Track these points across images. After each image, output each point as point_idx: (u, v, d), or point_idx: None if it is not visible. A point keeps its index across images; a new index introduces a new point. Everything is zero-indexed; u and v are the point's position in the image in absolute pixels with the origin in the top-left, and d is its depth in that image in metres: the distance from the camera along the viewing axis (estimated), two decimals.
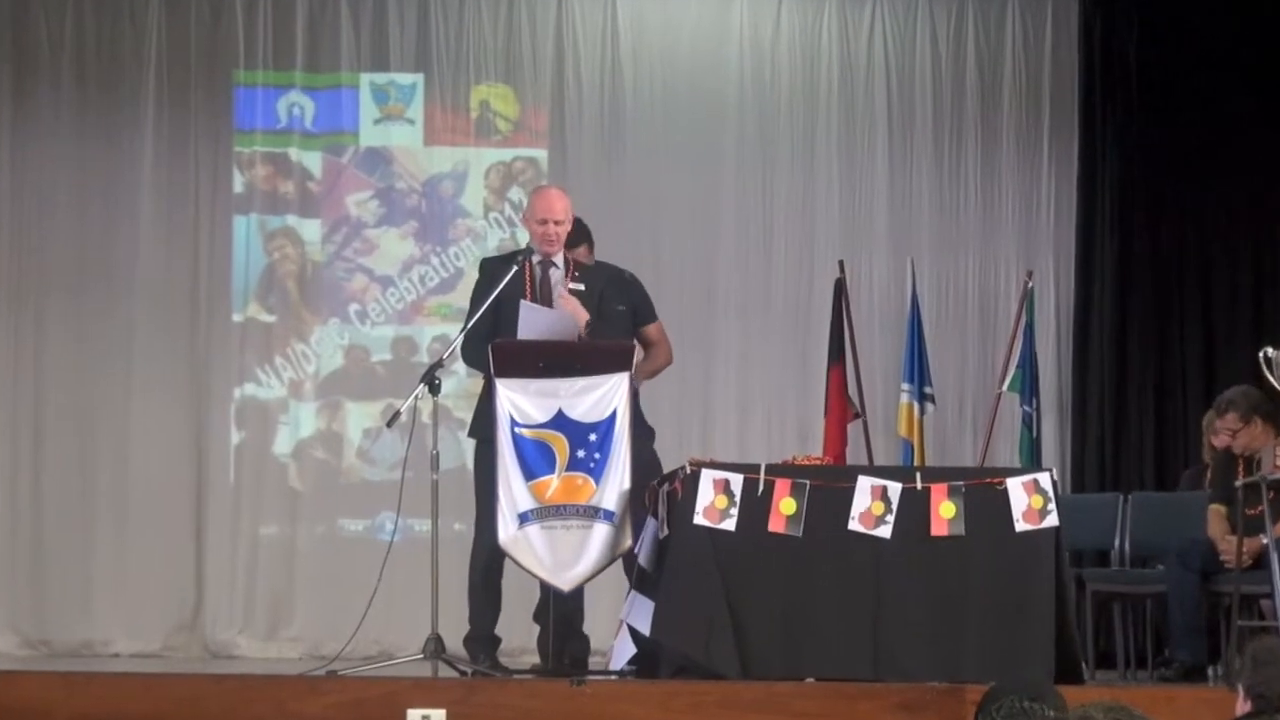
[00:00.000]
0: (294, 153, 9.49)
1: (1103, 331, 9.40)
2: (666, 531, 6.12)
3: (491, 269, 6.75)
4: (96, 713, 5.66)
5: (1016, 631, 5.94)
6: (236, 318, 9.41)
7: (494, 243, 9.47)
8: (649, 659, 6.15)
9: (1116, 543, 8.28)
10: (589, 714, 5.63)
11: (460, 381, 8.98)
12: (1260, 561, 6.92)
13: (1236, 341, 9.19)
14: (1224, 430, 7.47)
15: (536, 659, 6.74)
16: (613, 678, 6.21)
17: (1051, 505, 6.01)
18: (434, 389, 6.35)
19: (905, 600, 5.95)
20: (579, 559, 6.15)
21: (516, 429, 6.16)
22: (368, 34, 9.48)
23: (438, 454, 6.39)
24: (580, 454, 6.17)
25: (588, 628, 6.75)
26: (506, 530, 6.15)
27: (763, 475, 5.99)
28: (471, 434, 6.82)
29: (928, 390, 8.98)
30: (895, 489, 5.98)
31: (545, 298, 6.65)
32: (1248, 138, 9.27)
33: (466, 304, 6.92)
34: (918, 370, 8.99)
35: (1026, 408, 8.87)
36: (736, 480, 5.98)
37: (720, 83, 9.58)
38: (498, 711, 5.65)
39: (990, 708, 3.86)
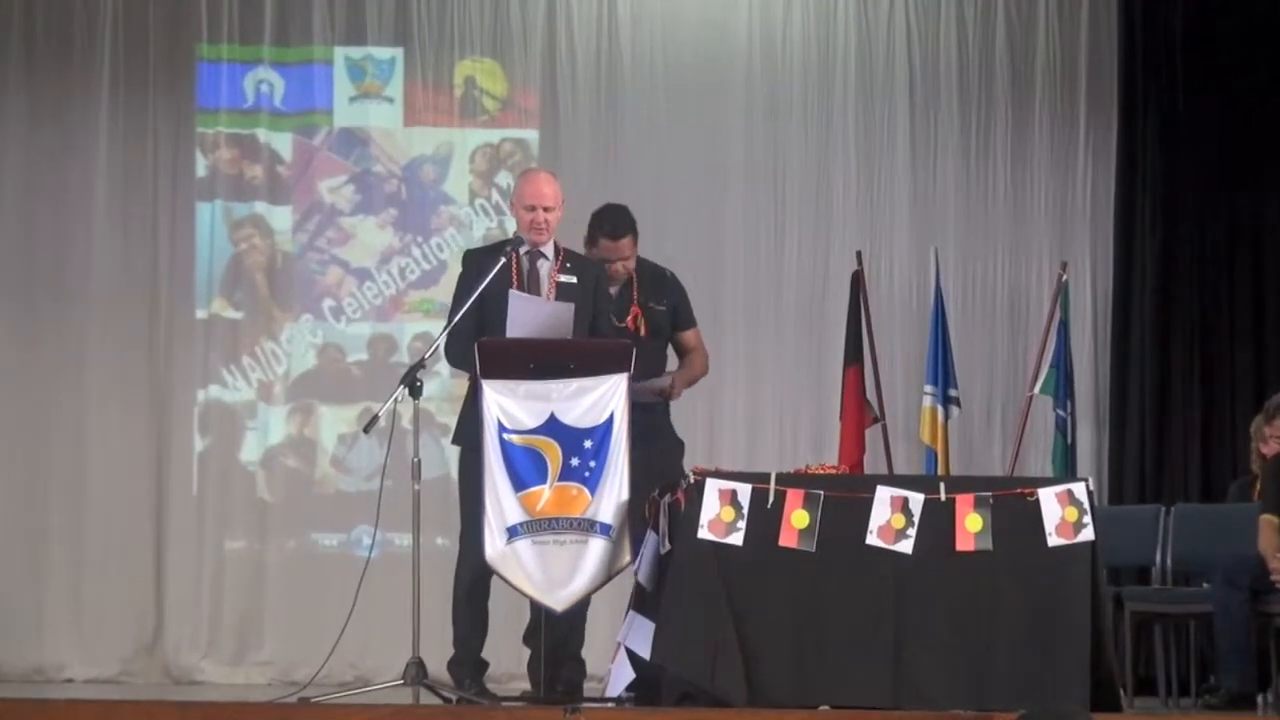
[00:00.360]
0: (262, 134, 9.50)
1: (1143, 329, 9.41)
2: (668, 546, 6.14)
3: (476, 261, 6.77)
4: None
5: (1049, 656, 5.96)
6: (200, 314, 9.43)
7: (480, 232, 9.49)
8: (649, 685, 6.16)
9: (1158, 559, 8.30)
10: None
11: (443, 383, 9.00)
12: None
13: None
14: (1274, 437, 7.50)
15: (527, 685, 6.77)
16: (610, 705, 6.22)
17: (1087, 518, 6.03)
18: (415, 391, 6.36)
19: (928, 621, 5.97)
20: (572, 576, 6.17)
21: (505, 435, 6.18)
22: (342, 5, 9.50)
23: (419, 462, 6.40)
24: (574, 462, 6.19)
25: (582, 651, 6.77)
26: (494, 545, 6.17)
27: (773, 485, 6.01)
28: (456, 441, 6.84)
29: (953, 393, 8.99)
30: (917, 500, 5.99)
31: (533, 289, 6.67)
32: None
33: (450, 299, 6.94)
34: (942, 371, 8.99)
35: (1060, 412, 8.88)
36: (744, 491, 5.99)
37: (727, 57, 9.59)
38: None
39: None
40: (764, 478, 6.04)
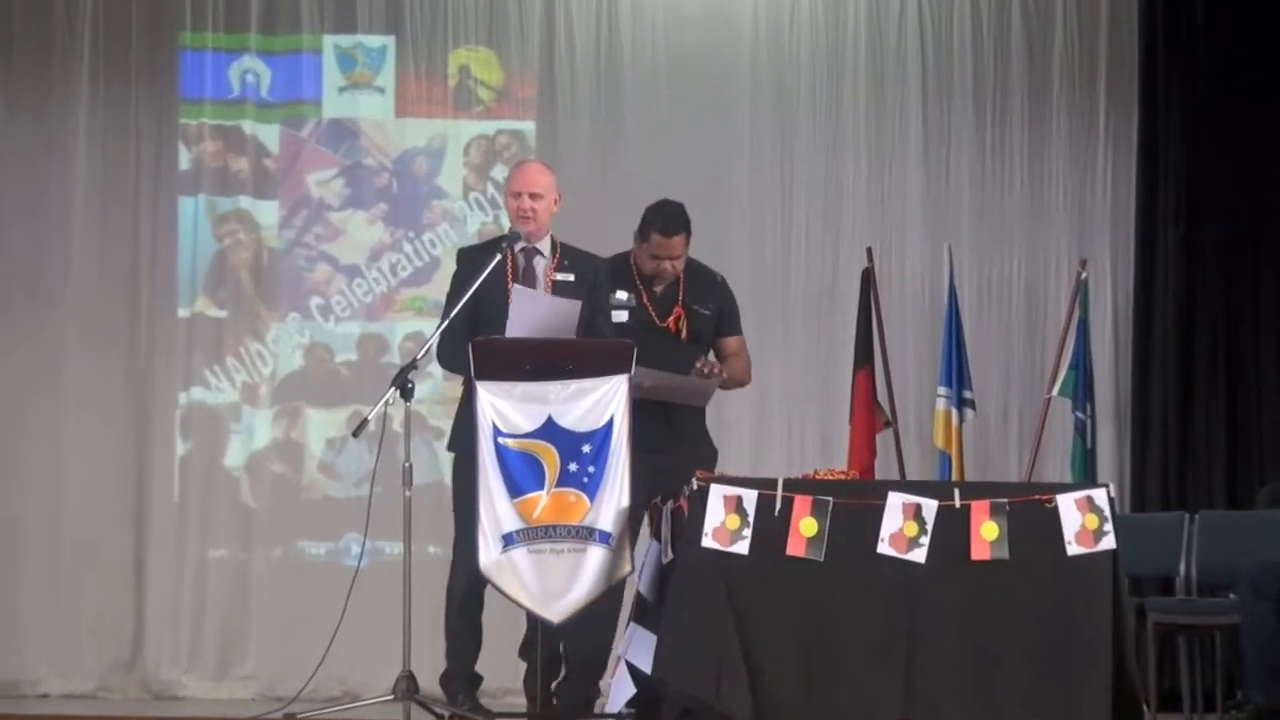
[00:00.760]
0: (248, 125, 9.49)
1: (1166, 327, 9.40)
2: (670, 555, 6.13)
3: (471, 260, 6.76)
4: None
5: (1068, 670, 5.94)
6: (182, 313, 9.41)
7: (474, 228, 9.48)
8: (650, 701, 6.15)
9: (1182, 568, 8.29)
10: None
11: (436, 385, 8.98)
12: None
13: None
14: None
15: (522, 700, 6.74)
16: None
17: (1108, 525, 6.02)
18: (406, 393, 6.36)
19: (941, 634, 5.95)
20: (570, 586, 6.16)
21: (500, 439, 6.17)
22: None
23: (410, 467, 6.40)
24: (572, 467, 6.18)
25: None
26: (488, 554, 6.16)
27: (780, 491, 5.99)
28: (451, 447, 6.83)
29: (967, 395, 8.98)
30: (930, 507, 5.98)
31: (528, 287, 6.66)
32: None
33: (443, 298, 6.93)
34: (956, 372, 8.99)
35: (1080, 415, 8.88)
36: (750, 497, 5.98)
37: (732, 45, 9.58)
38: None
39: None
40: (770, 484, 6.02)
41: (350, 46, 9.56)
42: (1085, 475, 8.72)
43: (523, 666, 6.72)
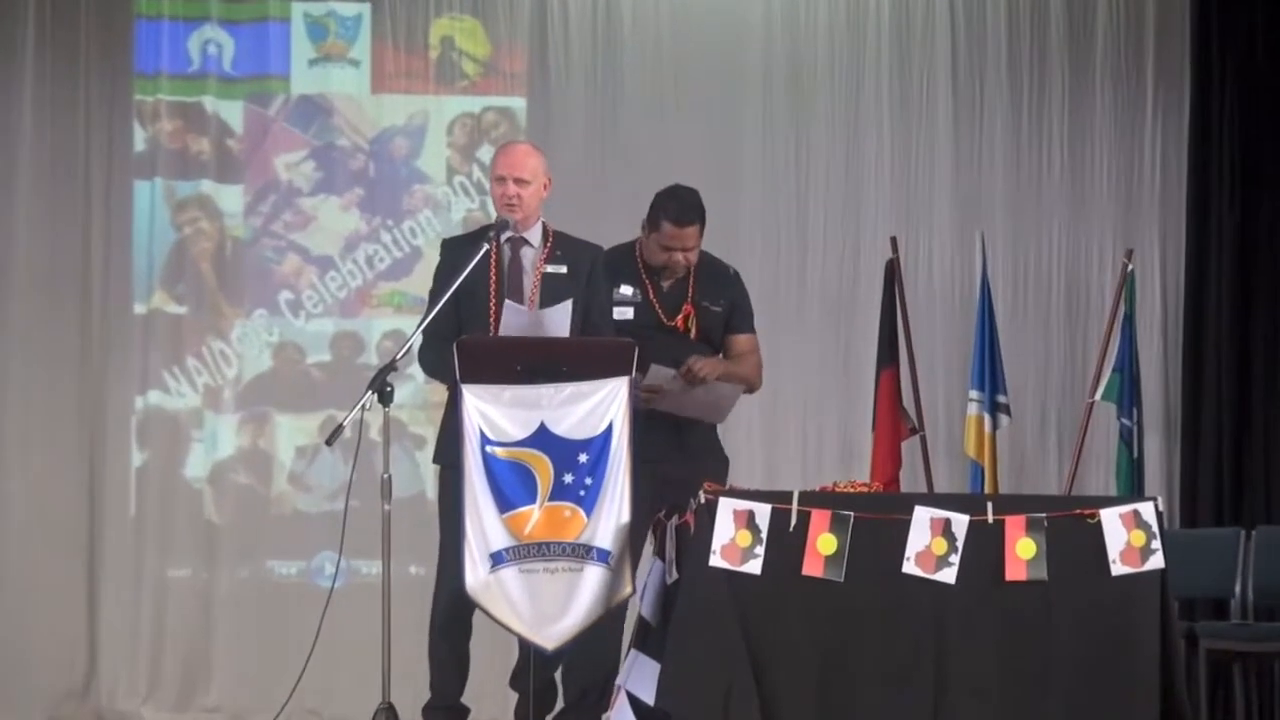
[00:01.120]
0: (209, 102, 9.51)
1: (1220, 326, 9.42)
2: (675, 575, 6.14)
3: (455, 252, 6.76)
4: None
5: (1112, 701, 5.96)
6: (138, 309, 9.44)
7: (459, 215, 9.50)
8: None
9: (1237, 589, 8.31)
10: None
11: (417, 389, 9.01)
12: None
13: None
14: None
15: None
16: None
17: (1156, 543, 6.03)
18: (385, 398, 6.37)
19: (973, 661, 5.97)
20: (565, 610, 6.17)
21: (488, 448, 6.18)
22: None
23: (389, 479, 6.41)
24: (567, 479, 6.19)
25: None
26: (475, 574, 6.16)
27: (795, 506, 6.01)
28: (438, 460, 6.84)
29: (1001, 399, 9.00)
30: (961, 523, 6.00)
31: (514, 282, 6.67)
32: None
33: (424, 293, 6.95)
34: (989, 374, 9.00)
35: (1125, 421, 8.89)
36: (763, 512, 5.99)
37: (742, 15, 9.60)
38: None
39: None
40: (785, 497, 6.03)
41: (322, 15, 9.58)
42: (1131, 488, 8.73)
43: (514, 697, 6.74)
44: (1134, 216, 9.59)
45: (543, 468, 6.20)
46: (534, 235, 6.77)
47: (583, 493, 6.18)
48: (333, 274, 9.52)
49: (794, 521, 5.98)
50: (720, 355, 7.15)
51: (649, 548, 6.53)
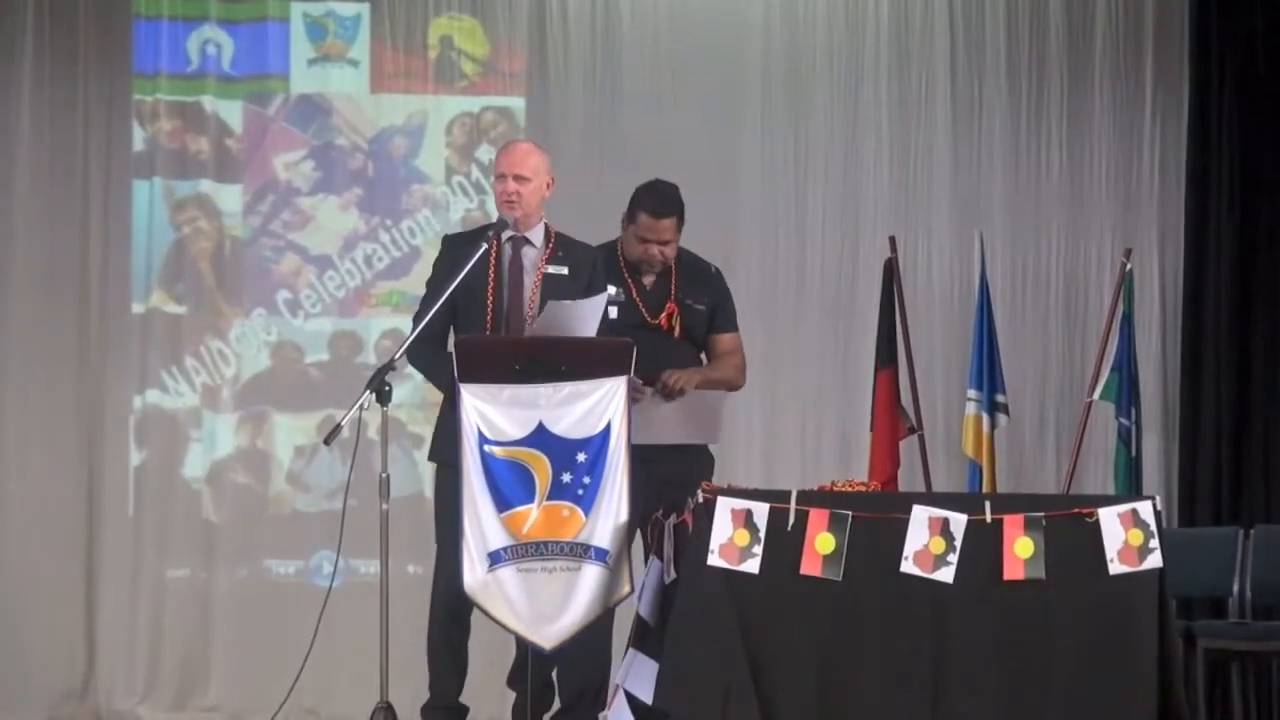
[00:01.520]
0: (208, 102, 9.51)
1: (1219, 325, 9.41)
2: (673, 575, 6.14)
3: (457, 247, 6.75)
4: None
5: (1110, 700, 5.96)
6: (136, 309, 9.43)
7: (458, 214, 9.50)
8: None
9: (1235, 588, 8.30)
10: None
11: (415, 388, 9.00)
12: None
13: None
14: None
15: None
16: None
17: (1154, 542, 6.03)
18: (383, 397, 6.36)
19: (971, 661, 5.97)
20: (564, 609, 6.17)
21: (486, 447, 6.18)
22: None
23: (388, 478, 6.40)
24: (566, 478, 6.19)
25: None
26: (474, 573, 6.16)
27: (793, 505, 6.01)
28: (433, 457, 6.84)
29: (1000, 399, 8.99)
30: (959, 522, 6.00)
31: (514, 282, 6.67)
32: None
33: (423, 292, 6.94)
34: (987, 373, 9.00)
35: (1123, 420, 8.89)
36: (761, 511, 5.99)
37: (741, 14, 9.59)
38: None
39: None
40: (783, 496, 6.03)
41: (321, 15, 9.58)
42: (1129, 487, 8.73)
43: (512, 696, 6.74)
44: (1132, 216, 9.58)
45: (541, 467, 6.20)
46: (536, 235, 6.76)
47: (581, 492, 6.19)
48: (331, 273, 9.52)
49: (792, 521, 5.98)
50: (701, 354, 7.13)
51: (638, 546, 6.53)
